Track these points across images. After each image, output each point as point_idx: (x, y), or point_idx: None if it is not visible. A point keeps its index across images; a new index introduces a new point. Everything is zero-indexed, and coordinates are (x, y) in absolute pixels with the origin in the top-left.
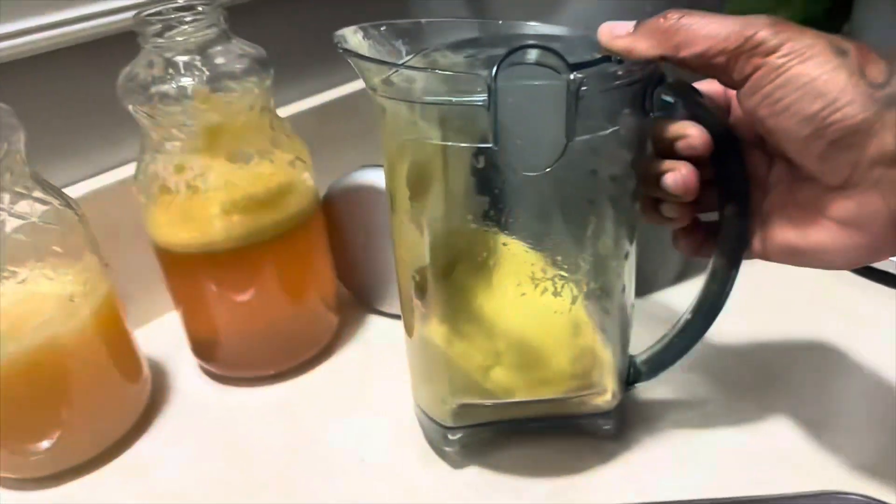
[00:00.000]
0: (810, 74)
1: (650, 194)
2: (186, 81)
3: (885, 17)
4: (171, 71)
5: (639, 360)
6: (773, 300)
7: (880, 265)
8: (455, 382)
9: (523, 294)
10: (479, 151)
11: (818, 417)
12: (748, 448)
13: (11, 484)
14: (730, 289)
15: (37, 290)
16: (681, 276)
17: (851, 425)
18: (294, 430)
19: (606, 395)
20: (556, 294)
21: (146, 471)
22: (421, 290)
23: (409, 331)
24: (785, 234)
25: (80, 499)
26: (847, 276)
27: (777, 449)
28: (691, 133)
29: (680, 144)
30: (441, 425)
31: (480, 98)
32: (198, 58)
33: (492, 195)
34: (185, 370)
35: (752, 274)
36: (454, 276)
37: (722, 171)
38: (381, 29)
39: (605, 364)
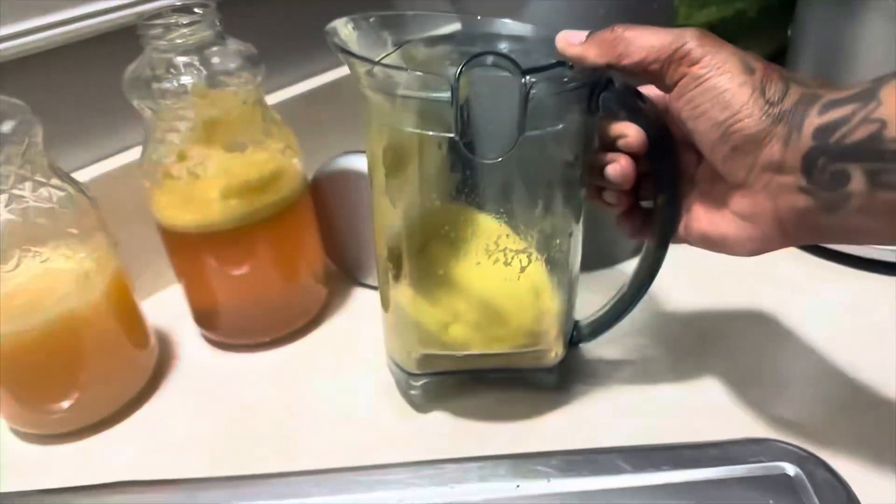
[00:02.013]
0: (722, 87)
1: (595, 183)
2: (186, 80)
3: (821, 18)
4: (171, 70)
5: (583, 323)
6: (717, 272)
7: None
8: (418, 336)
9: (478, 263)
10: (445, 140)
11: (749, 376)
12: (685, 402)
13: (36, 439)
14: (659, 266)
15: (56, 267)
16: (637, 251)
17: (777, 383)
18: (287, 390)
19: (551, 352)
20: (506, 264)
21: (155, 427)
22: (393, 256)
23: (382, 291)
24: (700, 222)
25: (97, 452)
26: (785, 249)
27: (711, 403)
28: (629, 133)
29: (620, 143)
30: (407, 372)
31: (446, 95)
32: (196, 58)
33: (455, 177)
34: (188, 338)
35: (700, 251)
36: (425, 248)
37: (656, 165)
38: (370, 20)
39: (550, 326)
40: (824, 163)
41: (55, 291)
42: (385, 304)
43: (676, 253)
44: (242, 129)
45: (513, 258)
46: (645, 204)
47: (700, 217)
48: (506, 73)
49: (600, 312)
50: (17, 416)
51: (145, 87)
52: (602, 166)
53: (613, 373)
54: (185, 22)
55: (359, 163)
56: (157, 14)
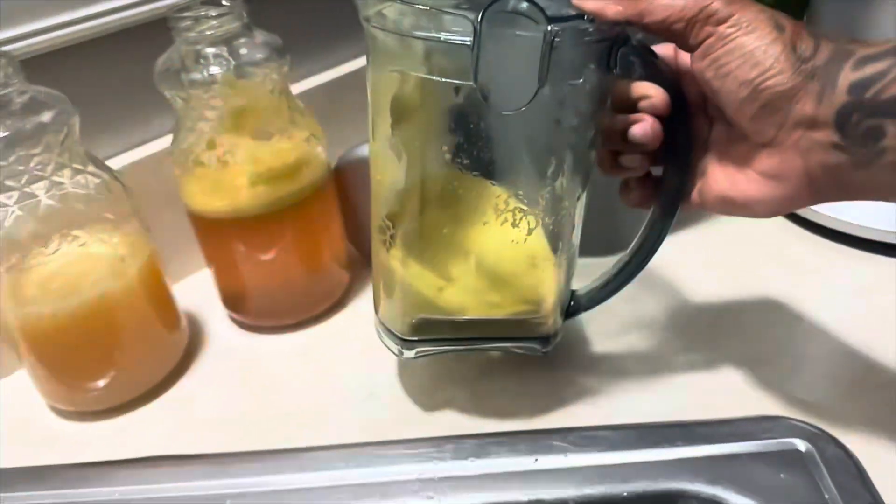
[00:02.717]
0: (751, 45)
1: (612, 147)
2: (215, 70)
3: (836, 7)
4: (201, 61)
5: (579, 293)
6: (730, 256)
7: (826, 222)
8: (412, 301)
9: (485, 223)
10: (460, 88)
11: (761, 356)
12: (699, 381)
13: (74, 416)
14: (664, 236)
15: (92, 251)
16: None
17: (789, 363)
18: (312, 370)
19: (548, 321)
20: (514, 225)
21: (187, 405)
22: (392, 215)
23: (375, 255)
24: (720, 185)
25: (132, 429)
26: (797, 233)
27: (724, 382)
28: (653, 94)
29: (643, 104)
30: (400, 338)
31: (466, 38)
32: (224, 49)
33: (466, 130)
34: (217, 320)
35: (714, 236)
36: (429, 205)
37: (670, 129)
38: None
39: (549, 294)
40: (858, 118)
41: (92, 274)
42: (375, 267)
43: (689, 237)
44: (269, 118)
45: (521, 219)
46: (654, 172)
47: (718, 180)
48: (530, 22)
49: (599, 282)
50: (55, 394)
51: (176, 77)
52: (622, 128)
53: (629, 354)
54: (213, 14)
55: None
56: (187, 7)
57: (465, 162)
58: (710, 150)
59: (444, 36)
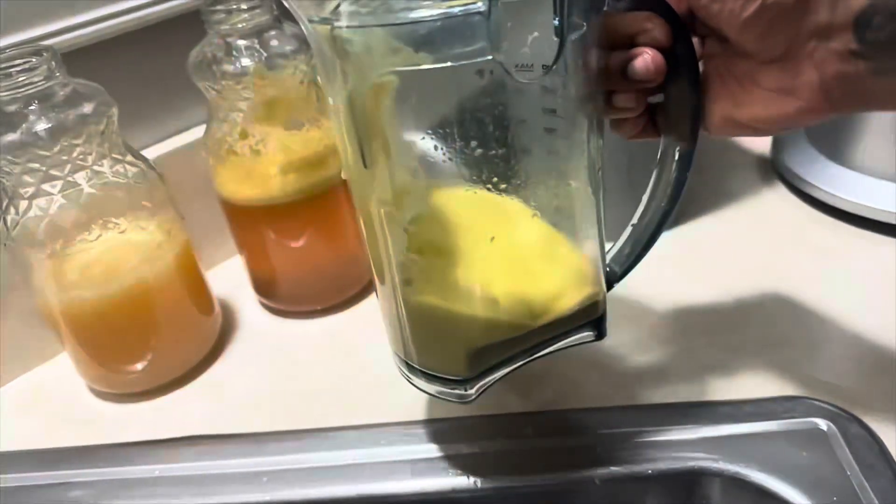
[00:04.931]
0: None
1: (606, 88)
2: (246, 62)
3: None
4: (233, 53)
5: (608, 261)
6: (753, 240)
7: (847, 206)
8: (462, 333)
9: (534, 215)
10: (483, 67)
11: (785, 339)
12: (722, 363)
13: (113, 398)
14: (689, 169)
15: (131, 238)
16: (676, 220)
17: (812, 346)
18: (342, 353)
19: (600, 297)
20: (553, 209)
21: (221, 387)
22: (422, 243)
23: (394, 302)
24: (723, 107)
25: (169, 410)
26: (819, 217)
27: (746, 364)
28: (652, 25)
29: (642, 38)
30: (457, 380)
31: (477, 6)
32: (255, 41)
33: (480, 117)
34: (248, 306)
35: (736, 220)
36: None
37: (674, 54)
38: None
39: (597, 265)
40: (881, 21)
41: (130, 260)
42: (400, 318)
43: (709, 221)
44: (299, 109)
45: (553, 197)
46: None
47: (722, 101)
48: None
49: (621, 245)
50: (95, 377)
51: (208, 69)
52: (619, 66)
53: (651, 336)
54: (245, 7)
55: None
56: (219, 0)
57: (491, 153)
58: (705, 70)
59: (453, 9)
